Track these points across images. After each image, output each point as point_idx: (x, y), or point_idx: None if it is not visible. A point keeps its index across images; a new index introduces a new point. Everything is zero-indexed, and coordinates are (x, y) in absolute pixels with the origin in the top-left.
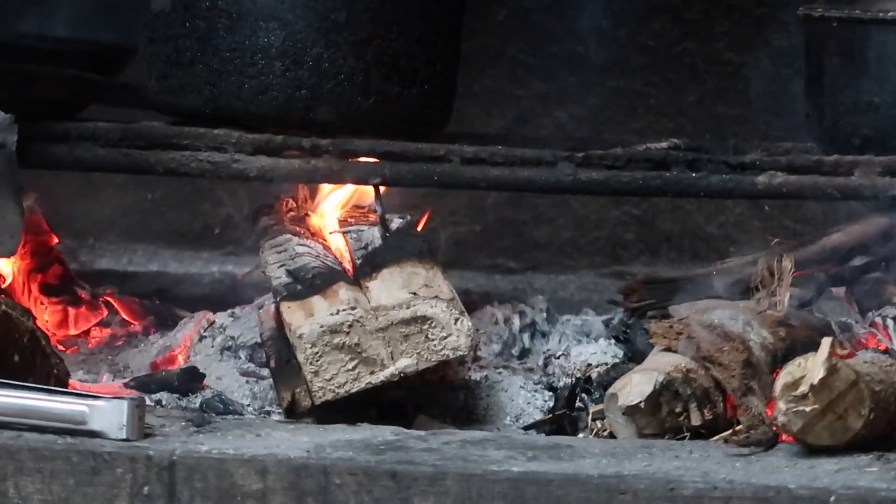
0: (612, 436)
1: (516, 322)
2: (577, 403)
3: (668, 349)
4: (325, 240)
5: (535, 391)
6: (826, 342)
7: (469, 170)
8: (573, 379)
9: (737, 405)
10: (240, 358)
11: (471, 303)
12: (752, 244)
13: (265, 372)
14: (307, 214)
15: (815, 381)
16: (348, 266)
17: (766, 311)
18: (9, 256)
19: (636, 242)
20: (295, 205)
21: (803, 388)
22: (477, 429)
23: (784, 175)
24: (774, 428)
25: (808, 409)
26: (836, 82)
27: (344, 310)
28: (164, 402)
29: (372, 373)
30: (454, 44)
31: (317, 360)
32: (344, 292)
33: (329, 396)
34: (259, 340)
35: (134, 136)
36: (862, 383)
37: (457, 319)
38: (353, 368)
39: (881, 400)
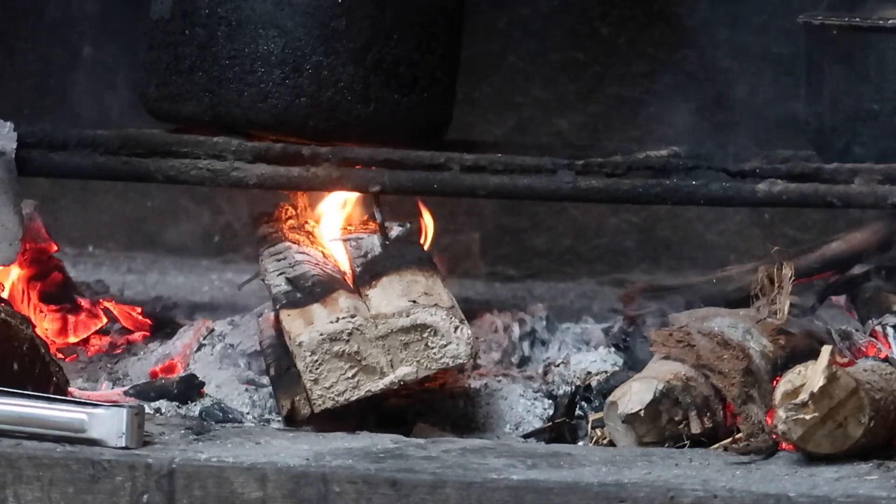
0: (611, 444)
1: (516, 330)
2: (577, 411)
3: (667, 357)
4: (325, 248)
5: (535, 399)
6: (826, 350)
7: (469, 177)
8: (573, 387)
9: (737, 413)
10: (239, 366)
11: (470, 311)
12: (751, 252)
13: (265, 380)
14: (306, 222)
15: (815, 390)
16: (348, 274)
17: (765, 318)
18: (8, 264)
19: (636, 250)
20: (294, 213)
21: (803, 397)
22: (476, 437)
23: (784, 183)
24: (774, 436)
25: (807, 417)
26: (836, 90)
27: (343, 318)
28: (163, 410)
29: (372, 381)
30: (454, 51)
31: (316, 368)
32: (343, 300)
33: (329, 404)
34: (258, 348)
35: (133, 144)
36: (862, 391)
37: (456, 327)
38: (353, 376)
39: (881, 408)
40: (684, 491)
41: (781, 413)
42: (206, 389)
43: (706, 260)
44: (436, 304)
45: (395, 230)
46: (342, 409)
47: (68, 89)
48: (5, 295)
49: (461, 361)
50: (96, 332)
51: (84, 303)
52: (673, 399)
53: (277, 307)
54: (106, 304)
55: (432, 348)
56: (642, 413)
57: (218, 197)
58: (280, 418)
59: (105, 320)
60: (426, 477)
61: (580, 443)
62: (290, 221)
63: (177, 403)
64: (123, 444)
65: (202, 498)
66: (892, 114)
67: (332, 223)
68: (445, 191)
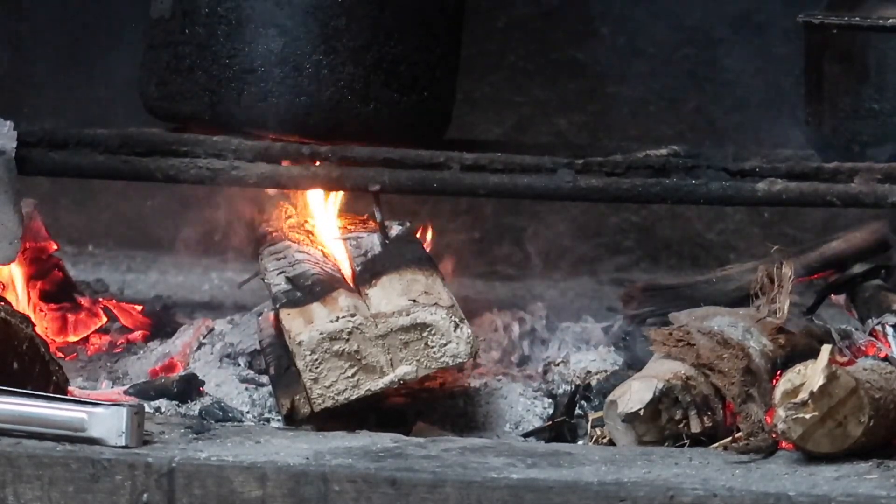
0: (611, 443)
1: (516, 329)
2: (577, 410)
3: (667, 356)
4: (325, 247)
5: (535, 398)
6: (826, 349)
7: (468, 177)
8: (572, 386)
9: (736, 412)
10: (239, 365)
11: (470, 310)
12: (751, 251)
13: (264, 379)
14: (306, 221)
15: (815, 389)
16: (348, 273)
17: (765, 318)
18: (8, 263)
19: (636, 249)
20: (294, 212)
21: (803, 396)
22: (476, 436)
23: (784, 182)
24: (774, 435)
25: (807, 416)
26: (835, 89)
27: (343, 317)
28: (163, 409)
29: (371, 380)
30: (454, 50)
31: (316, 367)
32: (343, 299)
33: (328, 403)
34: (258, 347)
35: (133, 143)
36: (861, 391)
37: (456, 326)
38: (353, 375)
39: (881, 407)
40: (684, 490)
41: (781, 412)
42: (205, 388)
43: (706, 259)
44: (436, 304)
45: (394, 229)
46: (342, 408)
47: (69, 88)
48: (5, 294)
49: (461, 360)
50: (96, 331)
51: (84, 302)
52: (673, 398)
53: (277, 306)
54: (106, 303)
55: (432, 347)
56: (642, 412)
57: (218, 196)
58: (280, 417)
59: (105, 319)
60: (426, 476)
61: (580, 442)
62: (290, 220)
63: (176, 402)
64: (123, 443)
65: (202, 497)
66: (892, 113)
67: (332, 222)
68: (445, 190)
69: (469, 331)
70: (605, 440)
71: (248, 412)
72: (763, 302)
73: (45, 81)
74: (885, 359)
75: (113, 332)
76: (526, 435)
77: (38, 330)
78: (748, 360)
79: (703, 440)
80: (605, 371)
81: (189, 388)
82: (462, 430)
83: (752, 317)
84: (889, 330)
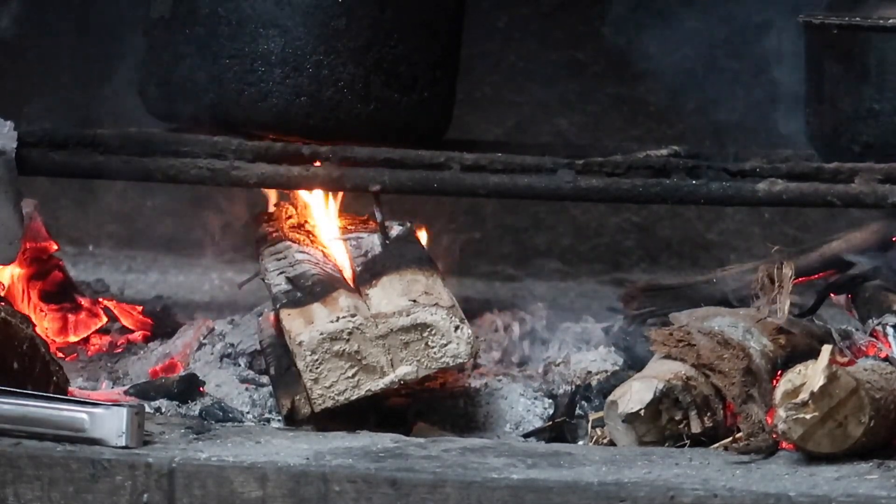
0: (611, 443)
1: (516, 329)
2: (577, 411)
3: (667, 356)
4: (325, 247)
5: (535, 398)
6: (826, 350)
7: (469, 177)
8: (573, 386)
9: (737, 412)
10: (239, 365)
11: (471, 310)
12: (752, 251)
13: (265, 379)
14: (306, 221)
15: (816, 389)
16: (348, 273)
17: (766, 318)
18: (8, 264)
19: (636, 249)
20: (294, 212)
21: (803, 396)
22: (477, 436)
23: (784, 182)
24: (774, 435)
25: (808, 416)
26: (836, 89)
27: (344, 317)
28: (163, 410)
29: (372, 380)
30: (454, 51)
31: (316, 368)
32: (344, 299)
33: (329, 404)
34: (258, 347)
35: (133, 143)
36: (862, 391)
37: (457, 327)
38: (353, 376)
39: (881, 407)
40: (684, 490)
41: (782, 412)
42: (206, 388)
43: (706, 259)
44: (436, 304)
45: (395, 229)
46: (342, 408)
47: (69, 88)
48: (6, 294)
49: (461, 361)
50: (96, 332)
51: (84, 302)
52: (673, 398)
53: (277, 306)
54: (106, 303)
55: (433, 348)
56: (642, 412)
57: (218, 196)
58: (280, 417)
59: (105, 319)
60: (426, 476)
61: (580, 442)
62: (290, 221)
63: (177, 403)
64: (123, 444)
65: (202, 497)
66: (892, 113)
67: (332, 222)
68: (446, 190)
69: (469, 331)
70: (605, 440)
71: (248, 412)
72: (763, 302)
73: (45, 81)
74: (886, 359)
75: (113, 333)
76: (526, 435)
77: (39, 330)
78: (748, 361)
79: (703, 440)
80: (606, 371)
81: (189, 388)
82: (462, 431)
83: (752, 317)
84: (889, 330)
